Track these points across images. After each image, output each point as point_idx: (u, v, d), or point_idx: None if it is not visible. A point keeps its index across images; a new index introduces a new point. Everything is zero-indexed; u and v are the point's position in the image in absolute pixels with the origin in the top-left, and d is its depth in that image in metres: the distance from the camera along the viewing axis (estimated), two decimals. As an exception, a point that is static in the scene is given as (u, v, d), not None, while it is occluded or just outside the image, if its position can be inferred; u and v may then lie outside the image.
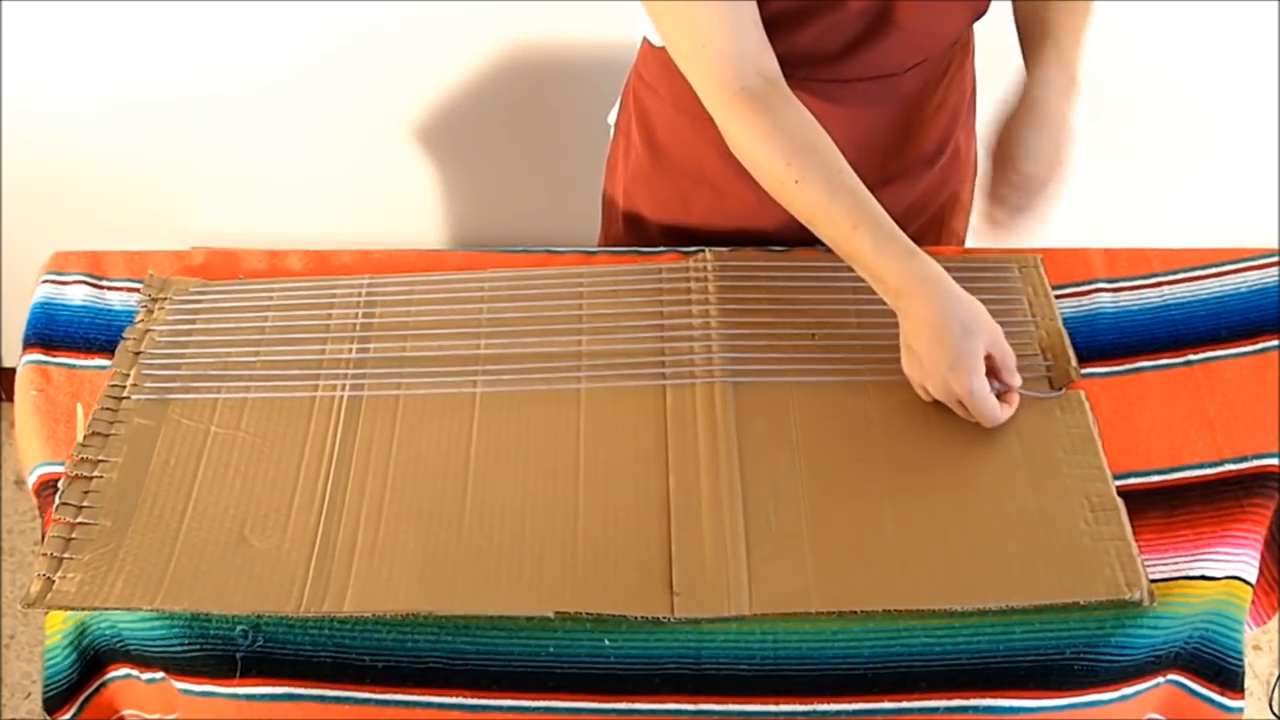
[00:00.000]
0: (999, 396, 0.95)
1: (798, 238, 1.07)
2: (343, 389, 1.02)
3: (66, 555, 0.91)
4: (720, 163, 1.08)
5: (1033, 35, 1.10)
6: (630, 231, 1.26)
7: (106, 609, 0.89)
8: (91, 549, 0.91)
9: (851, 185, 0.97)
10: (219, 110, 1.64)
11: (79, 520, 0.93)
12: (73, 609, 0.89)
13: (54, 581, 0.89)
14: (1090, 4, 1.10)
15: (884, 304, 1.06)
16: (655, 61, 1.13)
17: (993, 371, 0.95)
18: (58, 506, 0.94)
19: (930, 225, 1.25)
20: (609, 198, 1.30)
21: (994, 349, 0.94)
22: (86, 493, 0.95)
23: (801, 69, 1.05)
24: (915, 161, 1.17)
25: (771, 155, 0.98)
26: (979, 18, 1.12)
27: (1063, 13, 1.09)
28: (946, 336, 0.93)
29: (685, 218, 1.20)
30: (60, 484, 0.95)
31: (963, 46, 1.16)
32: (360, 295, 1.09)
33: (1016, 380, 0.96)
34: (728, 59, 0.98)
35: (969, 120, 1.25)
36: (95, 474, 0.96)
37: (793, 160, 0.97)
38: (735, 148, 1.00)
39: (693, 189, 1.17)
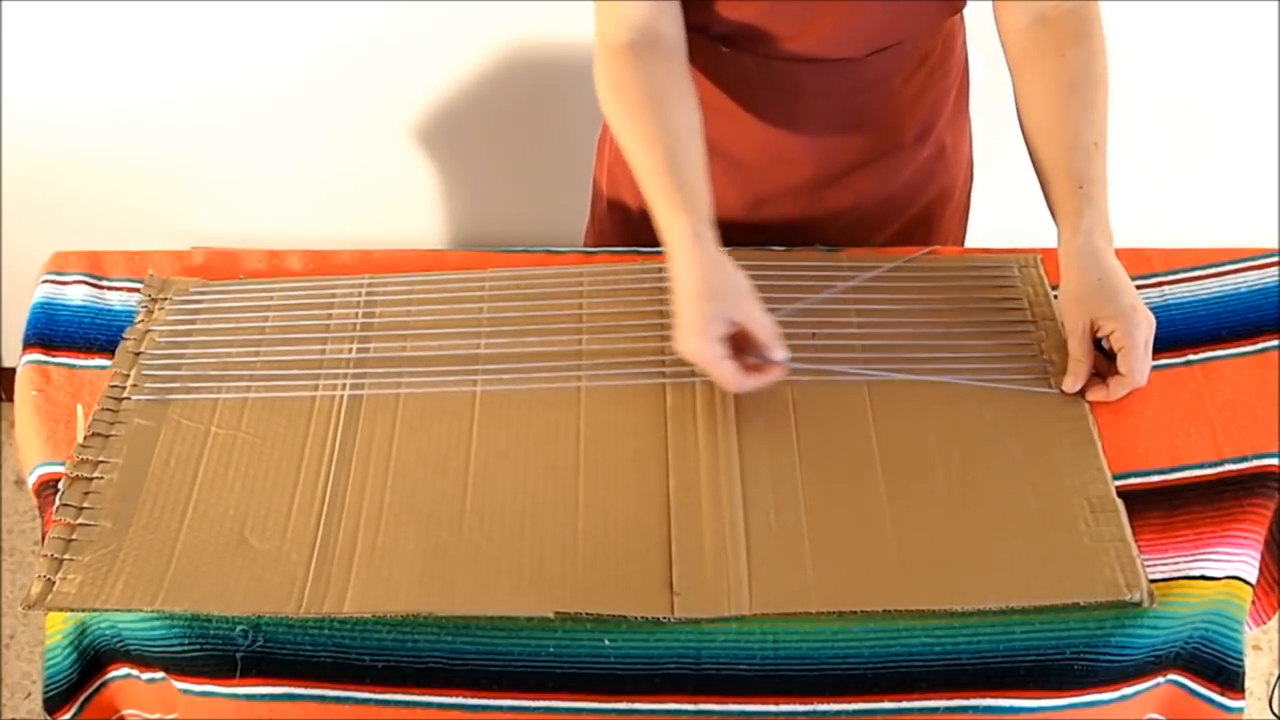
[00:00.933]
0: (757, 368, 0.95)
1: (774, 219, 1.08)
2: (343, 389, 1.02)
3: (67, 556, 0.91)
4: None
5: (1057, 183, 1.04)
6: (614, 216, 1.26)
7: (107, 610, 0.89)
8: (92, 550, 0.91)
9: (671, 144, 0.99)
10: (219, 110, 1.64)
11: (79, 521, 0.93)
12: (73, 610, 0.89)
13: (54, 583, 0.89)
14: (1103, 148, 1.06)
15: (883, 304, 1.06)
16: None
17: (747, 345, 0.95)
18: (58, 508, 0.93)
19: (918, 222, 1.25)
20: (596, 183, 1.30)
21: (745, 319, 0.94)
22: (87, 494, 0.95)
23: (758, 44, 1.06)
24: (889, 150, 1.17)
25: (615, 104, 1.02)
26: (951, 14, 1.11)
27: (1087, 159, 1.04)
28: (685, 296, 0.94)
29: None
30: (60, 485, 0.95)
31: (945, 40, 1.16)
32: (360, 295, 1.09)
33: (778, 354, 0.95)
34: (618, 14, 1.02)
35: (959, 119, 1.25)
36: (95, 475, 0.96)
37: (632, 111, 1.00)
38: (599, 97, 1.03)
39: None
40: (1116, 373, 0.97)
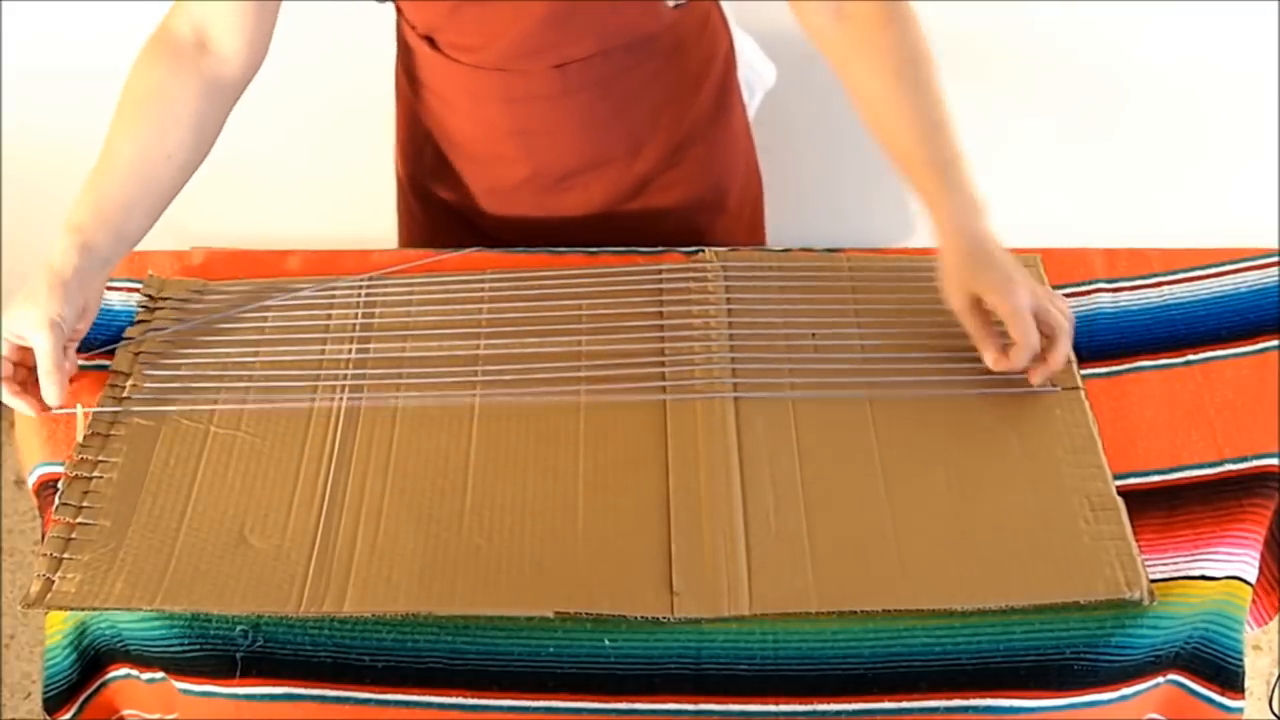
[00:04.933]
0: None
1: (514, 214, 1.16)
2: (342, 389, 1.02)
3: (66, 555, 0.91)
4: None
5: (914, 174, 1.00)
6: (423, 208, 1.29)
7: (106, 610, 0.89)
8: (91, 549, 0.91)
9: (125, 157, 0.99)
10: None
11: (79, 520, 0.93)
12: (73, 609, 0.89)
13: (54, 582, 0.89)
14: (929, 75, 1.00)
15: (883, 304, 1.06)
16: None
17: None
18: (57, 507, 0.93)
19: (683, 231, 1.23)
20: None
21: (34, 342, 0.96)
22: (86, 493, 0.95)
23: (457, 51, 1.09)
24: (608, 159, 1.17)
25: (121, 94, 1.02)
26: (656, 19, 1.09)
27: (935, 142, 0.98)
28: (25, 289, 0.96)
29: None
30: (60, 484, 0.95)
31: (667, 51, 1.13)
32: (360, 295, 1.09)
33: (50, 396, 0.96)
34: (184, 4, 1.02)
35: (717, 129, 1.22)
36: (95, 474, 0.96)
37: (121, 108, 1.01)
38: None
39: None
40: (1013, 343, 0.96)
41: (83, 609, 0.89)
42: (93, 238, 0.98)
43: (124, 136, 1.00)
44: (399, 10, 1.14)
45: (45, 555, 0.91)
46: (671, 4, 1.09)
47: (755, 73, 1.32)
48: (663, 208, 1.22)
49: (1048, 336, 0.95)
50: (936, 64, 1.01)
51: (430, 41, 1.12)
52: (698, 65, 1.18)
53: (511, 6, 1.04)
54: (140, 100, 1.01)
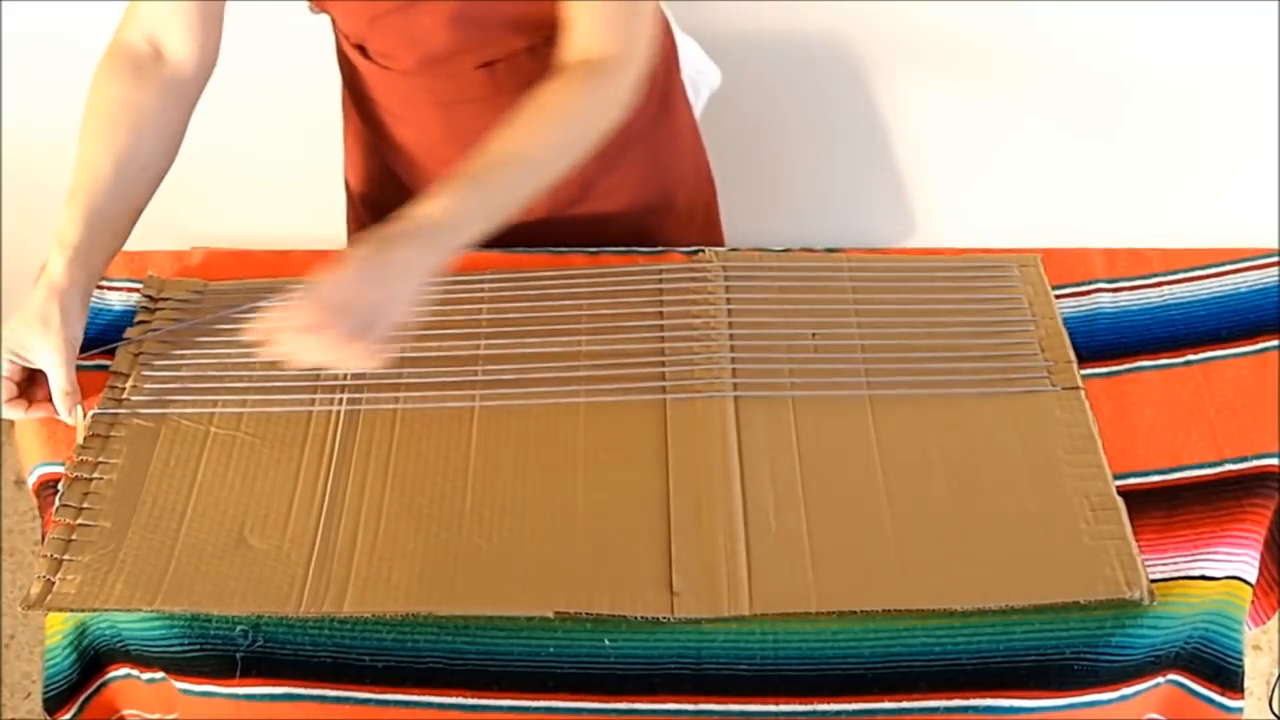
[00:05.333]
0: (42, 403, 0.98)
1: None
2: (342, 389, 1.02)
3: (66, 557, 0.91)
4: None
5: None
6: (368, 211, 1.28)
7: (107, 610, 0.89)
8: (91, 550, 0.91)
9: (100, 171, 0.99)
10: (219, 110, 1.63)
11: (79, 522, 0.93)
12: (73, 610, 0.89)
13: (54, 583, 0.89)
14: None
15: (884, 304, 1.06)
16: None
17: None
18: (58, 508, 0.93)
19: (632, 233, 1.21)
20: (345, 181, 1.32)
21: (42, 363, 0.97)
22: (86, 494, 0.95)
23: (394, 59, 1.09)
24: None
25: (86, 109, 1.02)
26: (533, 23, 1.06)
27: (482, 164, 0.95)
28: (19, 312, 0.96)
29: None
30: (60, 485, 0.95)
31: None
32: None
33: (62, 415, 0.98)
34: (134, 15, 1.03)
35: (660, 132, 1.21)
36: (95, 475, 0.96)
37: (87, 125, 1.01)
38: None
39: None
40: None
41: (83, 610, 0.89)
42: (87, 254, 0.98)
43: (101, 151, 1.00)
44: (333, 22, 1.14)
45: (45, 557, 0.91)
46: None
47: (700, 74, 1.31)
48: (608, 212, 1.21)
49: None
50: (581, 135, 0.98)
51: (362, 51, 1.12)
52: (654, 73, 1.15)
53: (422, 7, 1.03)
54: (110, 114, 1.02)
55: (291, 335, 0.88)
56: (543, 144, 0.97)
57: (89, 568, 0.90)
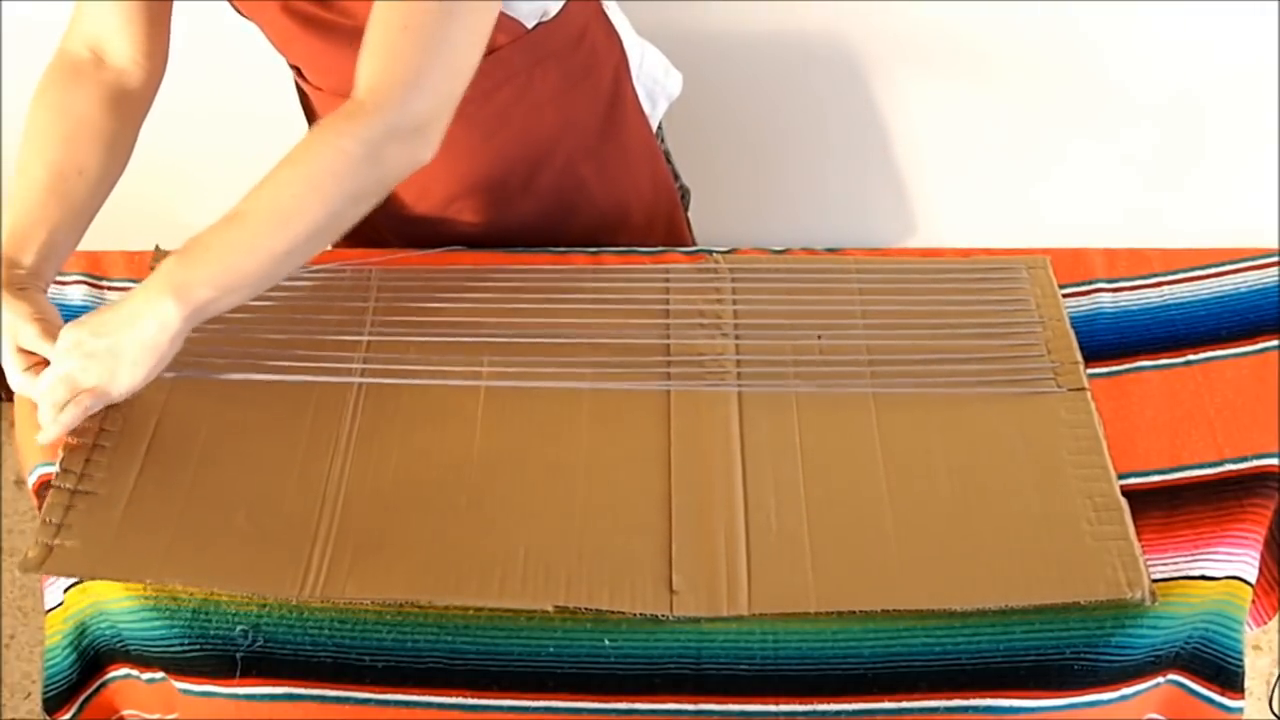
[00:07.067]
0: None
1: (420, 229, 1.15)
2: (346, 377, 1.01)
3: (66, 522, 0.91)
4: None
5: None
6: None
7: (105, 578, 0.89)
8: (91, 519, 0.91)
9: (36, 178, 0.97)
10: (219, 109, 1.63)
11: (79, 488, 0.93)
12: (71, 575, 0.89)
13: (53, 548, 0.89)
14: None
15: (890, 305, 1.06)
16: None
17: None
18: (57, 474, 0.93)
19: (588, 245, 1.19)
20: None
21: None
22: (88, 461, 0.94)
23: (324, 84, 1.09)
24: (490, 181, 1.15)
25: (28, 117, 1.00)
26: (504, 34, 1.04)
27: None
28: None
29: None
30: (60, 452, 0.95)
31: (529, 69, 1.09)
32: (366, 285, 1.09)
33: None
34: (78, 23, 1.02)
35: (604, 147, 1.19)
36: (98, 442, 0.96)
37: (28, 133, 0.99)
38: None
39: None
40: None
41: (81, 576, 0.89)
42: (16, 256, 0.95)
43: (34, 157, 0.98)
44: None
45: (45, 522, 0.90)
46: (529, 25, 1.05)
47: (658, 83, 1.26)
48: (563, 228, 1.19)
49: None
50: (296, 180, 0.96)
51: (300, 73, 1.11)
52: (575, 82, 1.13)
53: (332, 33, 1.01)
54: (45, 121, 1.00)
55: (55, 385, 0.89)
56: (270, 201, 0.96)
57: (88, 537, 0.90)
